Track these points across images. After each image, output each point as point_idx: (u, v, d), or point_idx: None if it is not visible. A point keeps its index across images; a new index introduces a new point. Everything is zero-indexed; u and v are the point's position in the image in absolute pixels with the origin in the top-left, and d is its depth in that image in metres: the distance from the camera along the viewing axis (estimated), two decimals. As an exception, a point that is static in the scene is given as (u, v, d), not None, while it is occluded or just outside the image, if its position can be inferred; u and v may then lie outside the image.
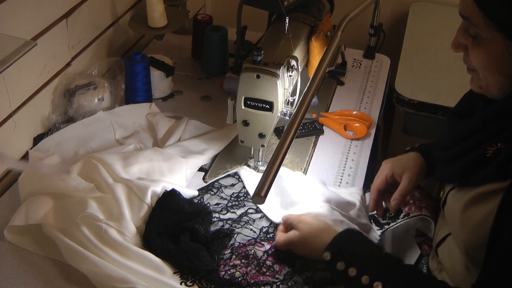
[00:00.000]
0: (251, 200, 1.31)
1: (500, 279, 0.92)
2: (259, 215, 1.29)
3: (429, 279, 1.07)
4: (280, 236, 1.19)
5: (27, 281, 1.13)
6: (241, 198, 1.34)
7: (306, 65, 1.53)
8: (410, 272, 1.04)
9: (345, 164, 1.46)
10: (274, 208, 1.28)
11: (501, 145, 0.97)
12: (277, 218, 1.25)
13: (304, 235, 1.14)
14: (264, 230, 1.25)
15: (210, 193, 1.34)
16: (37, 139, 1.45)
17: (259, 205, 1.30)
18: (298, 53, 1.42)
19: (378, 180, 1.26)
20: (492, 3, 0.92)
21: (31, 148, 1.42)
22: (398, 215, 1.28)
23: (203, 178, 1.41)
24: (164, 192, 1.25)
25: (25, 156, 1.41)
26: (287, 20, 1.39)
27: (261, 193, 1.03)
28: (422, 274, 1.15)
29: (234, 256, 1.18)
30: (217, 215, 1.28)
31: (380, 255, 1.06)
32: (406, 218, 1.26)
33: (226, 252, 1.19)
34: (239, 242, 1.22)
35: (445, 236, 1.15)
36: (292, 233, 1.17)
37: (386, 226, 1.27)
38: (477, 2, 0.94)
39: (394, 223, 1.27)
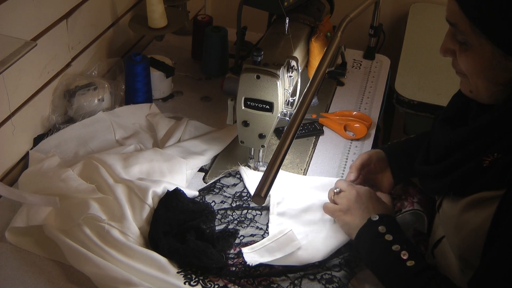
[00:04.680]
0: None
1: (493, 280, 0.92)
2: (263, 212, 1.30)
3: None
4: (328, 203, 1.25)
5: (27, 282, 1.13)
6: (244, 197, 1.34)
7: (306, 65, 1.53)
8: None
9: (345, 164, 1.46)
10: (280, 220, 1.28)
11: (498, 155, 0.97)
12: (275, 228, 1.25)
13: (354, 200, 1.20)
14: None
15: (212, 193, 1.35)
16: (37, 140, 1.45)
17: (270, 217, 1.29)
18: (298, 53, 1.42)
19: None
20: (479, 10, 0.92)
21: (31, 148, 1.42)
22: None
23: (203, 179, 1.41)
24: (167, 192, 1.25)
25: (26, 156, 1.41)
26: (287, 20, 1.39)
27: (261, 193, 1.04)
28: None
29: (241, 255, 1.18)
30: (219, 217, 1.28)
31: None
32: (399, 214, 1.26)
33: (233, 251, 1.20)
34: (245, 243, 1.22)
35: (441, 238, 1.15)
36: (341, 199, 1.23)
37: None
38: (464, 9, 0.93)
39: None
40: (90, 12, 1.59)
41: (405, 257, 1.04)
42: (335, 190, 1.24)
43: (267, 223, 1.27)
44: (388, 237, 1.09)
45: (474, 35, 0.94)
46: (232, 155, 1.48)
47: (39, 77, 1.44)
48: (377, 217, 1.13)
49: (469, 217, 1.00)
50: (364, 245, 1.12)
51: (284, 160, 1.09)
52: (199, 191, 1.35)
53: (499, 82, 0.97)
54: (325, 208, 1.24)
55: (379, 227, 1.11)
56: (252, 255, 1.17)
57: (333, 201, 1.24)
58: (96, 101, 1.53)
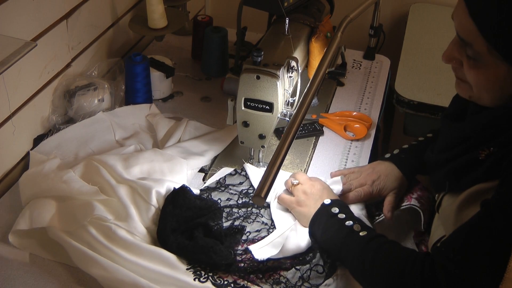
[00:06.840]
0: None
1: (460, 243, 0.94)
2: (268, 207, 1.31)
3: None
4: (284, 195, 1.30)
5: (27, 282, 1.13)
6: (251, 194, 1.34)
7: (306, 66, 1.53)
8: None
9: (345, 165, 1.46)
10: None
11: (494, 149, 0.97)
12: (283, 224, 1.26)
13: (309, 191, 1.26)
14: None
15: (218, 190, 1.35)
16: (37, 140, 1.45)
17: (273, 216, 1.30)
18: (298, 54, 1.42)
19: None
20: (500, 34, 0.90)
21: (31, 149, 1.42)
22: None
23: (203, 179, 1.41)
24: (174, 189, 1.25)
25: (26, 157, 1.41)
26: (287, 21, 1.39)
27: (261, 194, 1.03)
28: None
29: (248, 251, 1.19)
30: (225, 215, 1.28)
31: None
32: (397, 209, 1.27)
33: (240, 247, 1.20)
34: (251, 239, 1.23)
35: (441, 238, 1.16)
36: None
37: (377, 217, 1.28)
38: (482, 32, 0.91)
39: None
40: (90, 12, 1.59)
41: (358, 229, 1.11)
42: (294, 182, 1.28)
43: (271, 217, 1.27)
44: (341, 215, 1.15)
45: (490, 56, 0.92)
46: (232, 156, 1.48)
47: (39, 77, 1.44)
48: (330, 201, 1.19)
49: (467, 214, 1.00)
50: (319, 226, 1.17)
51: (284, 160, 1.09)
52: (205, 188, 1.35)
53: (506, 95, 0.96)
54: (280, 200, 1.29)
55: (332, 209, 1.17)
56: (260, 252, 1.18)
57: (290, 193, 1.29)
58: (96, 101, 1.53)
